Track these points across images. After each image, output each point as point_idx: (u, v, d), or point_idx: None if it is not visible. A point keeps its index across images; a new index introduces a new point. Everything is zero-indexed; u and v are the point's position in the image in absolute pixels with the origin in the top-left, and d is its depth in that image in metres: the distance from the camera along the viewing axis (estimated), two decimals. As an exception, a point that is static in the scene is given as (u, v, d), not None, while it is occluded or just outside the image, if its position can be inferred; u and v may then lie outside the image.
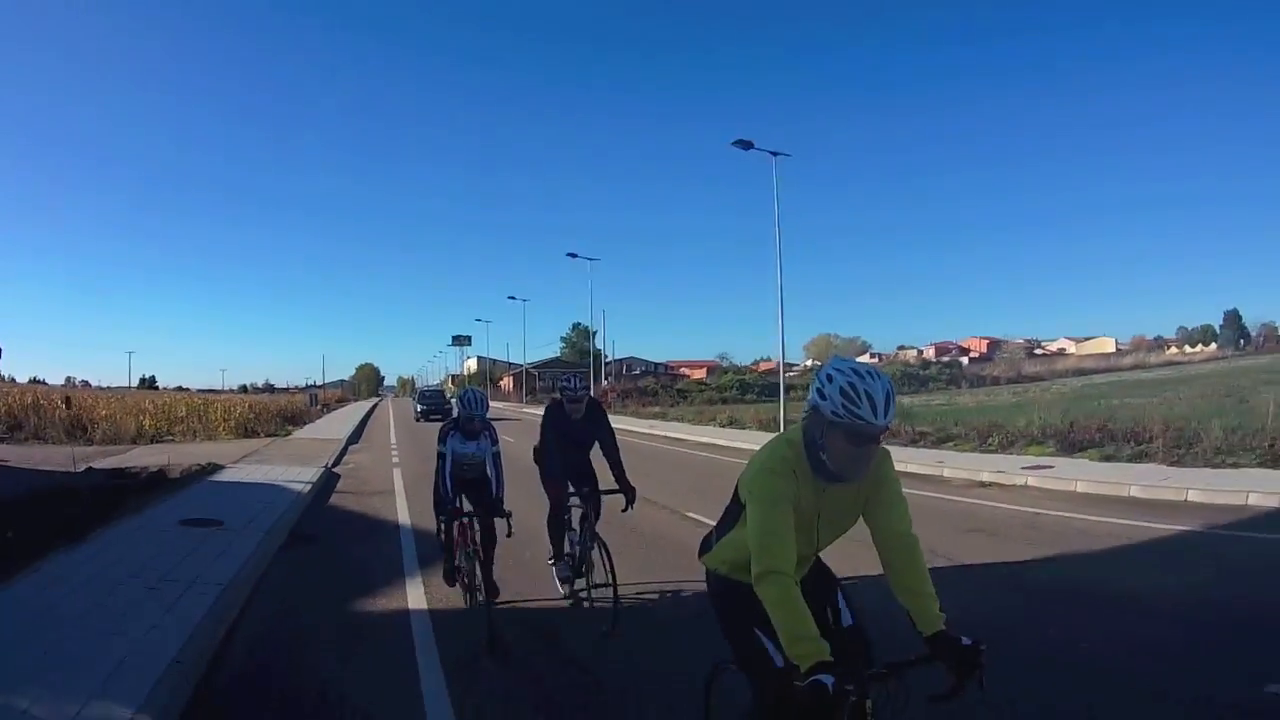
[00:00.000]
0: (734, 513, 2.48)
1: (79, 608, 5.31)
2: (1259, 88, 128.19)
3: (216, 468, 14.17)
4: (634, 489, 5.68)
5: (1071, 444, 13.81)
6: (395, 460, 17.37)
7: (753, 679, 2.43)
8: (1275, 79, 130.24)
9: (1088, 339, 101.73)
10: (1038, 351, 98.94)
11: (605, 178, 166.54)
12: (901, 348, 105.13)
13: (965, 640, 2.08)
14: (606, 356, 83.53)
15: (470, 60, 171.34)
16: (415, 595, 6.11)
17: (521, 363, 77.12)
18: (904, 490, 2.46)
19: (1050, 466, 12.31)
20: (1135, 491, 10.08)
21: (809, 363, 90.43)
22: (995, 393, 37.15)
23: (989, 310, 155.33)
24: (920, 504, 10.90)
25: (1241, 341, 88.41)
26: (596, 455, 5.97)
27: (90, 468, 14.55)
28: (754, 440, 21.08)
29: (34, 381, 71.44)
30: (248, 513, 9.24)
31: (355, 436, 25.64)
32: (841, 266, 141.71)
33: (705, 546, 2.68)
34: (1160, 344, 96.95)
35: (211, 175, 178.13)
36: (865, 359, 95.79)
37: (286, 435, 25.86)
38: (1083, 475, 11.24)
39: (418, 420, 35.31)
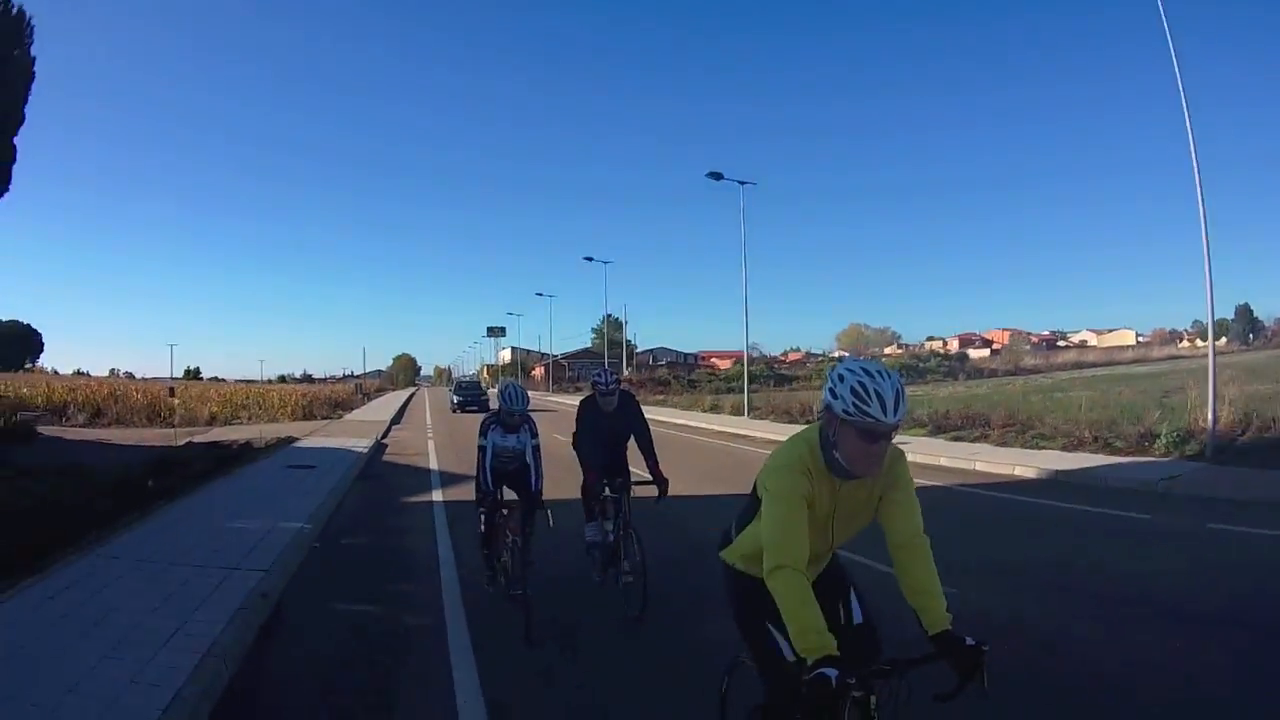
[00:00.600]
0: (752, 508, 2.53)
1: (252, 496, 9.68)
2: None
3: (293, 439, 18.74)
4: (667, 480, 5.82)
5: (939, 427, 17.34)
6: (430, 436, 21.78)
7: (764, 672, 2.48)
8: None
9: (1110, 331, 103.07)
10: (1060, 343, 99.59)
11: (636, 177, 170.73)
12: (930, 339, 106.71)
13: (969, 640, 2.10)
14: (636, 348, 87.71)
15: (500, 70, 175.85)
16: (437, 495, 10.53)
17: (552, 354, 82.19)
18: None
19: (907, 442, 14.45)
20: (944, 461, 12.98)
21: (838, 353, 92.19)
22: (978, 385, 39.95)
23: (1020, 303, 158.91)
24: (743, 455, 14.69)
25: (1251, 335, 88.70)
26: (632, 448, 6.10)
27: (190, 441, 18.99)
28: (718, 421, 25.20)
29: (78, 374, 76.46)
30: (329, 462, 13.66)
31: (397, 419, 30.19)
32: (877, 260, 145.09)
33: (725, 540, 2.71)
34: (1174, 337, 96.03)
35: (251, 170, 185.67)
36: (893, 349, 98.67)
37: (339, 418, 30.65)
38: (918, 448, 13.93)
39: (454, 411, 34.86)
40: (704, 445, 17.09)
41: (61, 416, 26.76)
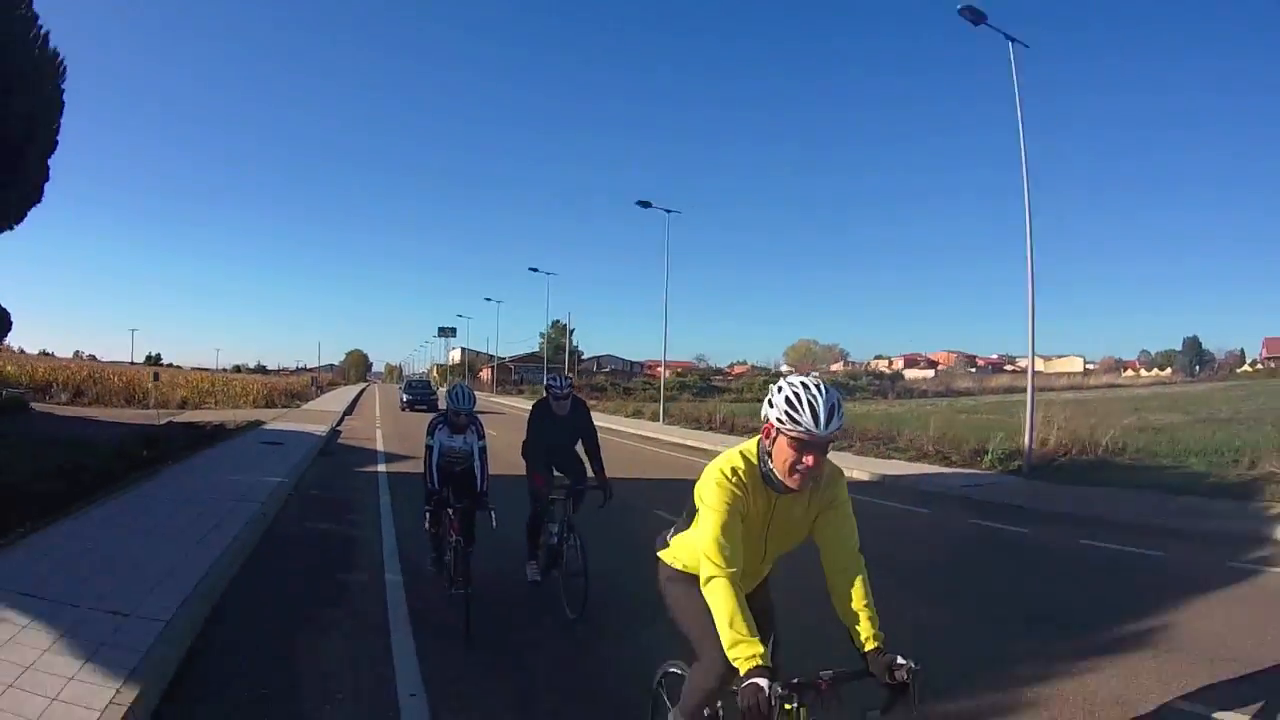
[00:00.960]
0: (690, 515, 2.60)
1: (236, 462, 12.67)
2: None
3: (261, 423, 21.58)
4: (610, 485, 5.99)
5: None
6: (378, 427, 24.73)
7: (701, 651, 2.52)
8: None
9: (1059, 357, 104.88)
10: (1008, 368, 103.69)
11: (590, 179, 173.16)
12: (878, 357, 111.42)
13: (900, 659, 2.16)
14: (582, 354, 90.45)
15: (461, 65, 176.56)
16: (382, 468, 13.68)
17: (500, 356, 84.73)
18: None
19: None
20: None
21: (783, 367, 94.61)
22: (902, 404, 43.16)
23: (975, 325, 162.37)
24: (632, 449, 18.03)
25: (1197, 367, 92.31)
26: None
27: (170, 421, 21.53)
28: (635, 425, 28.38)
29: (43, 354, 76.98)
30: (294, 441, 16.61)
31: (349, 411, 33.02)
32: (831, 277, 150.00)
33: (661, 543, 2.81)
34: (1120, 366, 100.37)
35: (216, 161, 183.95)
36: (838, 366, 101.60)
37: (297, 407, 33.37)
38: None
39: (403, 410, 34.67)
40: (617, 444, 20.23)
41: (46, 395, 28.92)
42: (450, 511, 5.55)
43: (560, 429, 6.17)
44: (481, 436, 5.96)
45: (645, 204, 28.76)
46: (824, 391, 2.26)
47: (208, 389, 35.81)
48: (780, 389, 2.30)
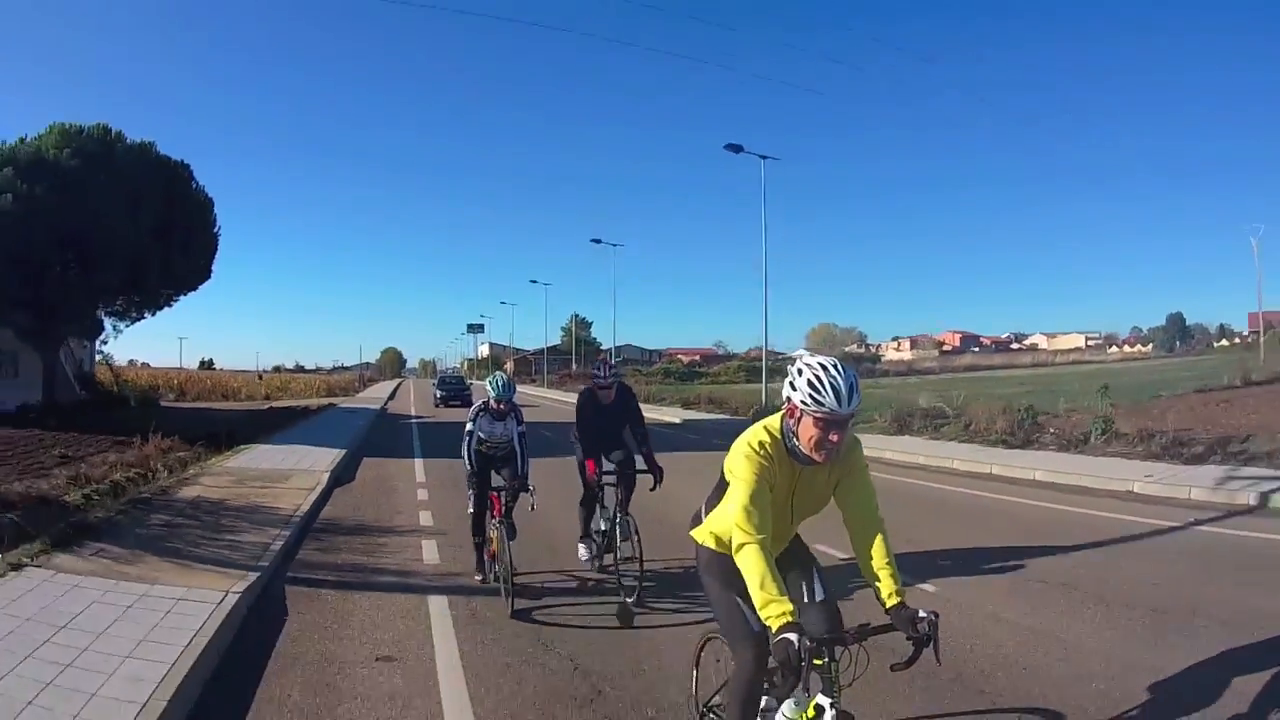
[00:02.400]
0: (719, 490, 2.74)
1: (335, 422, 23.04)
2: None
3: (334, 404, 32.20)
4: (662, 469, 5.99)
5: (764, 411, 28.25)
6: (411, 406, 35.25)
7: (733, 643, 2.66)
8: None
9: (1060, 334, 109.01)
10: (1014, 346, 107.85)
11: (617, 175, 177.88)
12: (895, 339, 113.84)
13: (922, 613, 2.30)
14: (600, 345, 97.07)
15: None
16: (413, 422, 24.06)
17: (523, 349, 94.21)
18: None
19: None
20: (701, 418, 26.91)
21: (797, 351, 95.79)
22: (882, 384, 42.41)
23: (988, 304, 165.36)
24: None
25: (1178, 343, 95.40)
26: None
27: (271, 407, 31.86)
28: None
29: (130, 363, 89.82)
30: (362, 413, 27.11)
31: (390, 398, 43.70)
32: (850, 262, 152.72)
33: (695, 521, 2.91)
34: (1108, 342, 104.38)
35: (266, 162, 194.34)
36: (853, 348, 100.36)
37: (352, 395, 44.25)
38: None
39: (436, 406, 34.31)
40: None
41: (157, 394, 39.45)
42: (494, 494, 5.90)
43: (608, 417, 6.27)
44: (521, 423, 6.11)
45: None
46: (843, 372, 2.40)
47: (280, 386, 46.77)
48: (801, 371, 2.43)
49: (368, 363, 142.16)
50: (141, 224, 20.21)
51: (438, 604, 5.45)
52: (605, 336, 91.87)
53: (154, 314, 24.67)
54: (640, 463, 6.13)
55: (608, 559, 6.01)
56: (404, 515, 8.98)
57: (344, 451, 14.38)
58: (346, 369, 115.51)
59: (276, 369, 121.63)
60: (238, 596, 5.12)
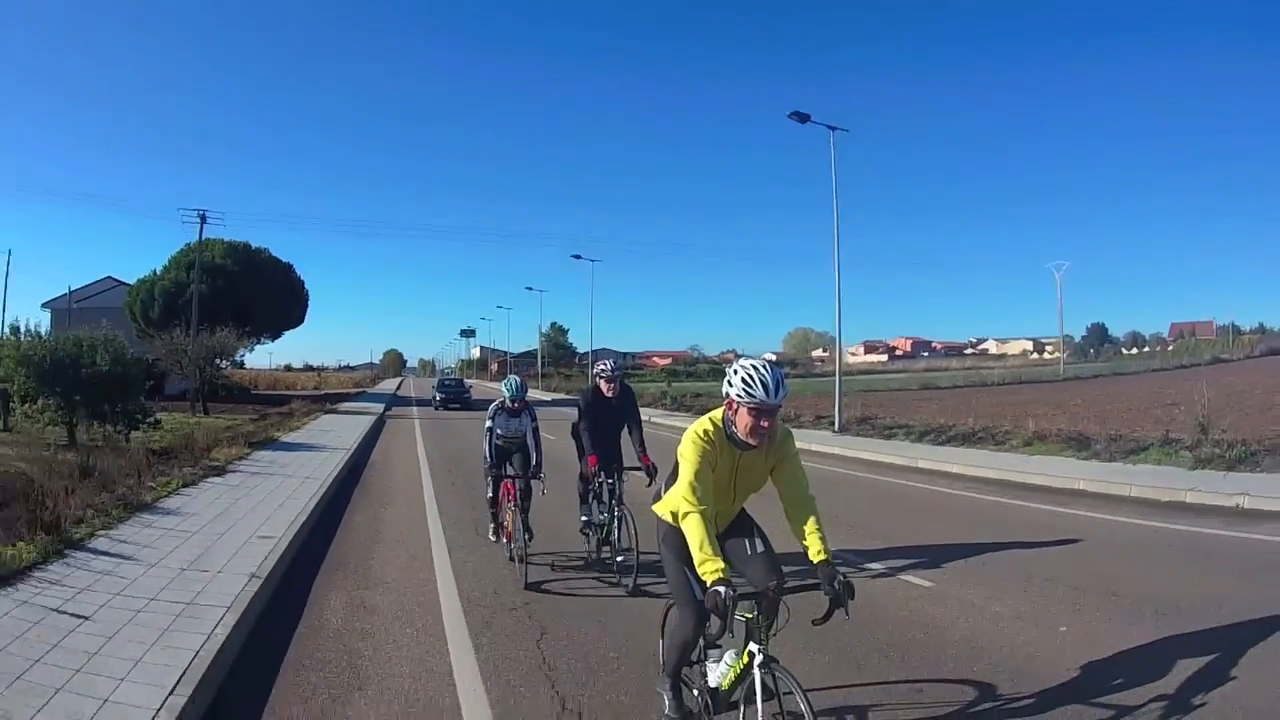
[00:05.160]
0: (674, 471, 3.11)
1: (368, 401, 40.53)
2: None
3: (365, 391, 50.88)
4: (655, 466, 6.01)
5: (681, 405, 35.61)
6: (411, 394, 52.69)
7: (680, 606, 3.12)
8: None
9: (1011, 340, 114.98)
10: (967, 350, 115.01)
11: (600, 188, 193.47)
12: (866, 343, 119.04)
13: (841, 575, 2.73)
14: (576, 349, 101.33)
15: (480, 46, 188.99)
16: (415, 408, 40.44)
17: (509, 351, 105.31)
18: None
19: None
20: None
21: (770, 355, 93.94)
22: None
23: (955, 312, 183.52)
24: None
25: (1094, 351, 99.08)
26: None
27: (327, 392, 49.41)
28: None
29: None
30: (383, 395, 45.56)
31: (397, 389, 60.66)
32: (820, 270, 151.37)
33: (656, 498, 3.38)
34: (1036, 348, 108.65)
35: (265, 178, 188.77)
36: (818, 353, 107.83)
37: (373, 387, 61.99)
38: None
39: (436, 409, 34.06)
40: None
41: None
42: (509, 482, 6.47)
43: (610, 413, 6.46)
44: (534, 419, 6.60)
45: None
46: (770, 370, 2.81)
47: (320, 383, 64.71)
48: (736, 371, 2.84)
49: (372, 363, 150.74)
50: (269, 297, 38.11)
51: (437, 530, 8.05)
52: (581, 341, 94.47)
53: (270, 342, 42.17)
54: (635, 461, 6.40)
55: (605, 550, 6.31)
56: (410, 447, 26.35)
57: (384, 406, 32.13)
58: (352, 369, 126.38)
59: (287, 367, 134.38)
60: (349, 453, 17.75)
